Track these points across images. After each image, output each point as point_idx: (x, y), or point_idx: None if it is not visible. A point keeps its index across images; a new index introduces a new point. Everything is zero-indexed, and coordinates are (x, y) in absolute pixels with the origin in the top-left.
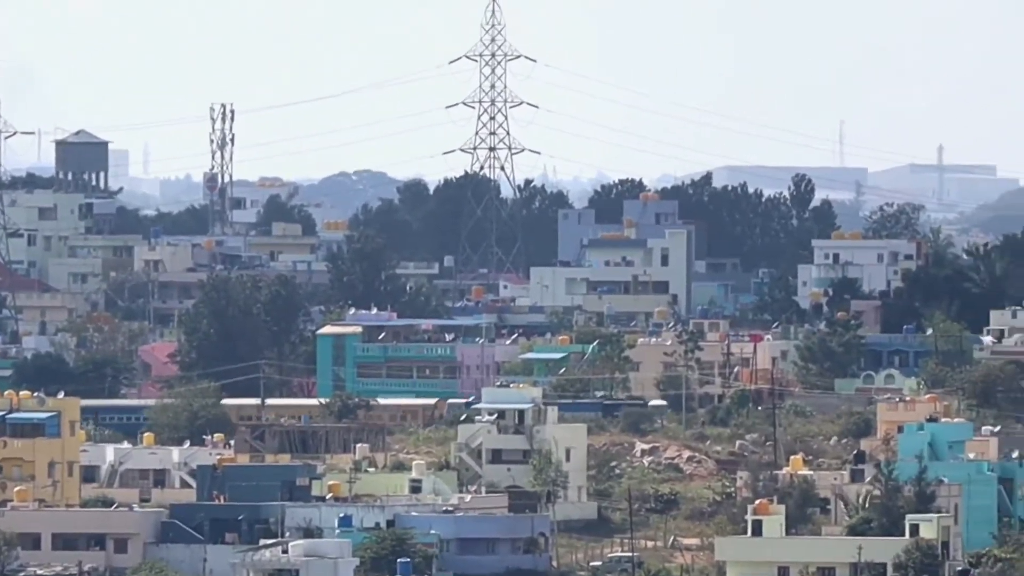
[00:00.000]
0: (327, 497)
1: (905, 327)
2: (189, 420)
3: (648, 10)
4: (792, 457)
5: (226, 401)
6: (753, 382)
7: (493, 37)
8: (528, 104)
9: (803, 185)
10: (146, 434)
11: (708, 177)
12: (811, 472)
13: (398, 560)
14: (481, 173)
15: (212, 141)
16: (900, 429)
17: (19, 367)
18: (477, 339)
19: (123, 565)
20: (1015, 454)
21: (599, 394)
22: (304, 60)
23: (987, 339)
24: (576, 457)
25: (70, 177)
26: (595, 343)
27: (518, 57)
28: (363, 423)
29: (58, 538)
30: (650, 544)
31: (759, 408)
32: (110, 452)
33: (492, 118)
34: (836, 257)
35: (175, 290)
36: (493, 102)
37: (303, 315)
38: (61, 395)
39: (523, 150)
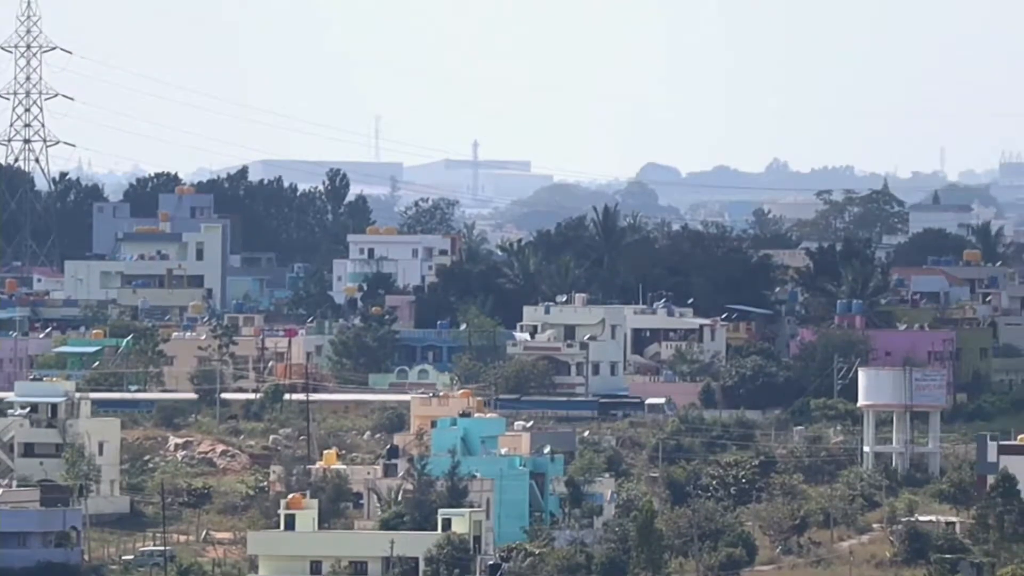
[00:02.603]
0: None
1: (439, 322)
2: None
3: (202, 7)
4: (325, 452)
5: None
6: (288, 376)
7: (28, 28)
8: (64, 96)
9: (338, 180)
10: None
11: (244, 171)
12: (344, 467)
13: None
14: (15, 165)
15: None
16: (433, 424)
17: None
18: (11, 332)
19: None
20: (547, 449)
21: (133, 388)
22: None
23: (520, 334)
24: (109, 451)
25: None
26: (129, 337)
27: (53, 49)
28: None
29: None
30: (183, 538)
31: (292, 402)
32: None
33: (27, 110)
34: (371, 252)
35: None
36: (28, 94)
37: None
38: None
39: (58, 142)
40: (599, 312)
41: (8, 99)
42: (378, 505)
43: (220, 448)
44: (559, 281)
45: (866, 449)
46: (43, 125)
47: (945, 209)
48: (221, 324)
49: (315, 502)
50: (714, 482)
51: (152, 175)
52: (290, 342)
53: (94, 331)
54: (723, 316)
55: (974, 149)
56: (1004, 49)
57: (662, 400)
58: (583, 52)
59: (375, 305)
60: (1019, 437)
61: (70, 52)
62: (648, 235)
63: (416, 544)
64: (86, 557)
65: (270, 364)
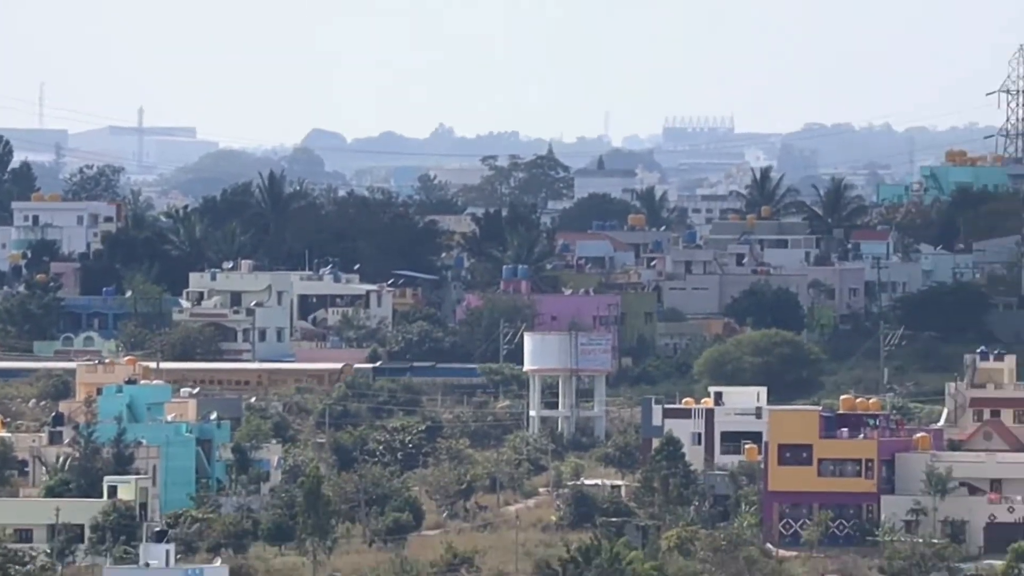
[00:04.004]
0: None
1: (105, 289)
2: None
3: None
4: None
5: None
6: None
7: None
8: None
9: (1, 146)
10: None
11: None
12: (9, 435)
13: None
14: None
15: None
16: (99, 391)
17: None
18: None
19: None
20: (213, 416)
21: None
22: None
23: (186, 301)
24: None
25: None
26: None
27: None
28: None
29: None
30: None
31: None
32: None
33: None
34: (36, 219)
35: None
36: None
37: None
38: None
39: None
40: (265, 278)
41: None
42: (44, 473)
43: None
44: (225, 247)
45: (532, 413)
46: None
47: (610, 174)
48: None
49: None
50: (381, 447)
51: None
52: None
53: None
54: (389, 282)
55: (638, 115)
56: (666, 16)
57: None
58: (248, 18)
59: (40, 272)
60: (684, 401)
61: None
62: (314, 201)
63: (82, 511)
64: None
65: None
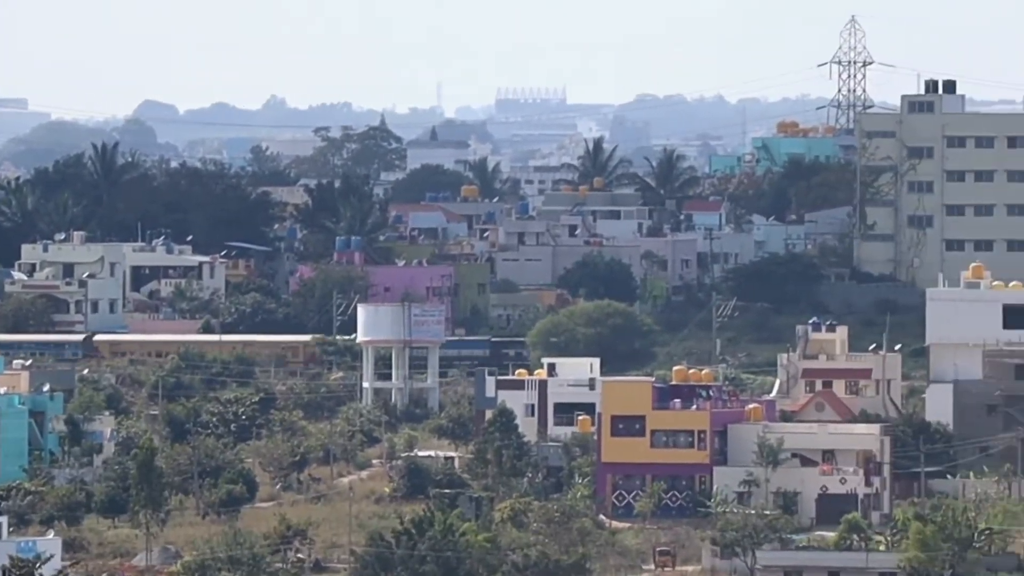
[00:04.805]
0: None
1: None
2: None
3: None
4: None
5: None
6: None
7: None
8: None
9: None
10: None
11: None
12: None
13: None
14: None
15: None
16: None
17: None
18: None
19: None
20: (46, 387)
21: None
22: None
23: (18, 273)
24: None
25: None
26: None
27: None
28: None
29: None
30: None
31: None
32: None
33: None
34: None
35: None
36: None
37: None
38: None
39: None
40: (98, 250)
41: None
42: None
43: None
44: (57, 219)
45: (365, 385)
46: None
47: (442, 145)
48: None
49: None
50: (214, 419)
51: None
52: None
53: None
54: (222, 253)
55: (471, 86)
56: None
57: None
58: None
59: None
60: (517, 372)
61: None
62: (146, 173)
63: None
64: None
65: None
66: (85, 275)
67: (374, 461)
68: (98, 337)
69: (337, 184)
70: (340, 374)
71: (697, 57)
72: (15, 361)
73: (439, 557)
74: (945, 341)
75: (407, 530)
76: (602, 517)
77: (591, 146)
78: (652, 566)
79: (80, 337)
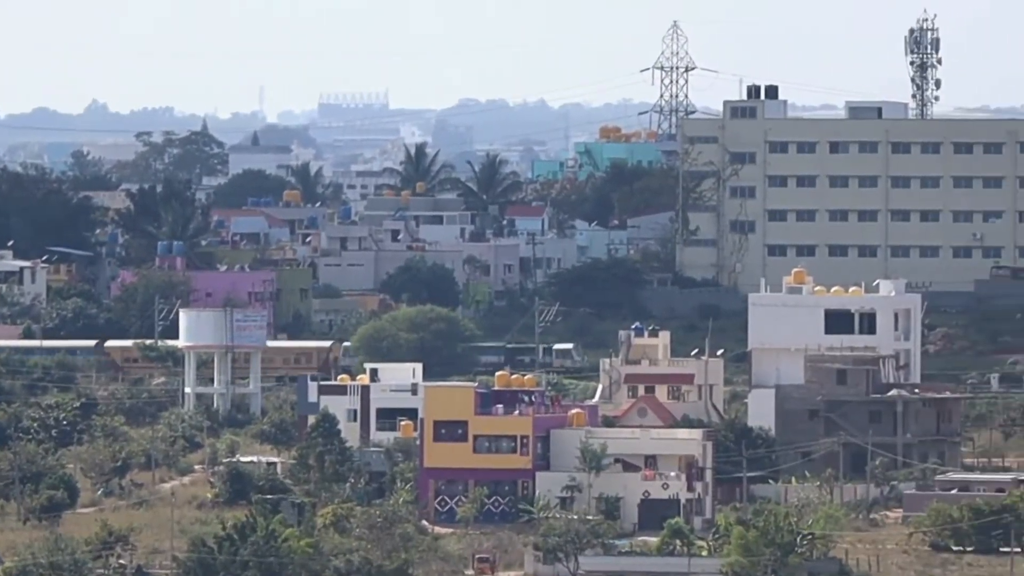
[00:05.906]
0: None
1: None
2: None
3: None
4: None
5: None
6: None
7: None
8: None
9: None
10: None
11: None
12: None
13: None
14: None
15: None
16: None
17: None
18: None
19: None
20: None
21: None
22: None
23: None
24: None
25: None
26: None
27: None
28: None
29: None
30: None
31: None
32: None
33: None
34: None
35: None
36: None
37: None
38: None
39: None
40: None
41: None
42: None
43: None
44: None
45: (187, 390)
46: None
47: (265, 150)
48: None
49: None
50: (35, 424)
51: None
52: None
53: None
54: (43, 258)
55: (293, 90)
56: None
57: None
58: None
59: None
60: (339, 377)
61: None
62: None
63: None
64: None
65: None
66: None
67: (196, 466)
68: None
69: (159, 189)
70: (162, 379)
71: (519, 62)
72: None
73: (261, 563)
74: (767, 346)
75: (229, 536)
76: (424, 523)
77: (413, 151)
78: (472, 573)
79: None
